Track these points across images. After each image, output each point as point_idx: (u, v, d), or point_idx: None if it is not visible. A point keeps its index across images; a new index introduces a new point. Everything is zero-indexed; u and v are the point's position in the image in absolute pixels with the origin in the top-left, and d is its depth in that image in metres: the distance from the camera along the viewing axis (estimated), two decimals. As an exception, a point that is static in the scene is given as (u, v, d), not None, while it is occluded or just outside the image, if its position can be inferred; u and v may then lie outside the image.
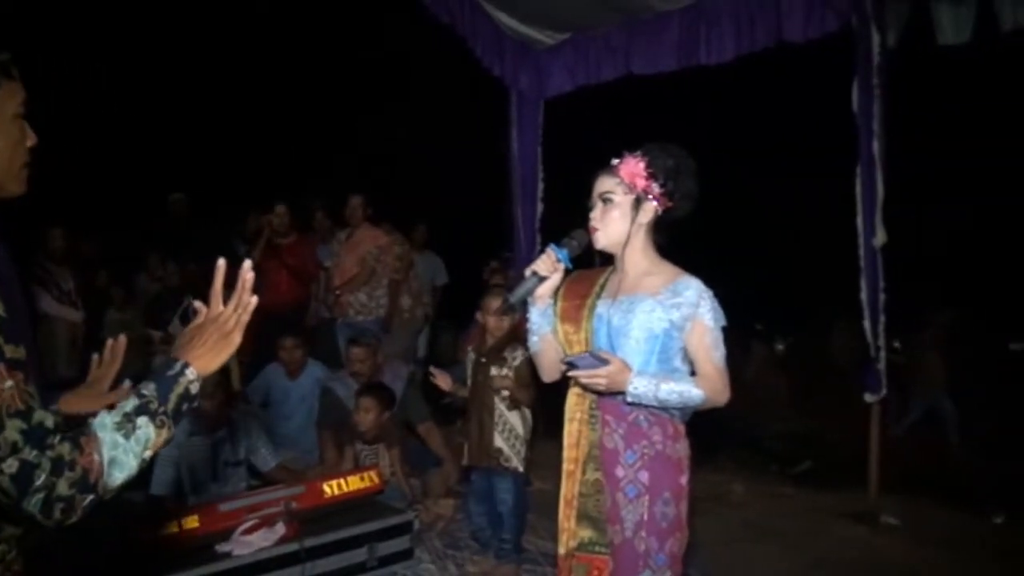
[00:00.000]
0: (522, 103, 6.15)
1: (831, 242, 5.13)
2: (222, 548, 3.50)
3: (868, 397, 4.84)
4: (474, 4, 5.65)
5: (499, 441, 4.05)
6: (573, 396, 2.47)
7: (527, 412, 4.11)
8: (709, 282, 2.37)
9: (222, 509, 3.68)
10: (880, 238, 4.64)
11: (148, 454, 1.41)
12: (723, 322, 2.36)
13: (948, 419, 6.89)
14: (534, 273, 2.41)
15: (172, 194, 7.89)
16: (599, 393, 2.37)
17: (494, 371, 4.06)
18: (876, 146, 4.58)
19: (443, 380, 4.11)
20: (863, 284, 4.70)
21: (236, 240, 7.55)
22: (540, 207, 6.18)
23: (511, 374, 4.03)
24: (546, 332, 2.50)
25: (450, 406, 5.04)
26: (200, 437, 4.43)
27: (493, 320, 4.07)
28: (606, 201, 2.40)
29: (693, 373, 2.37)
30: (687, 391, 2.28)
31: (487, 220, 7.47)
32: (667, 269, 2.42)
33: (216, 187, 8.66)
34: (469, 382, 4.18)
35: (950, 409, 6.88)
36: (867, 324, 4.74)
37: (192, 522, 3.57)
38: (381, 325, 6.59)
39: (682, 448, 2.40)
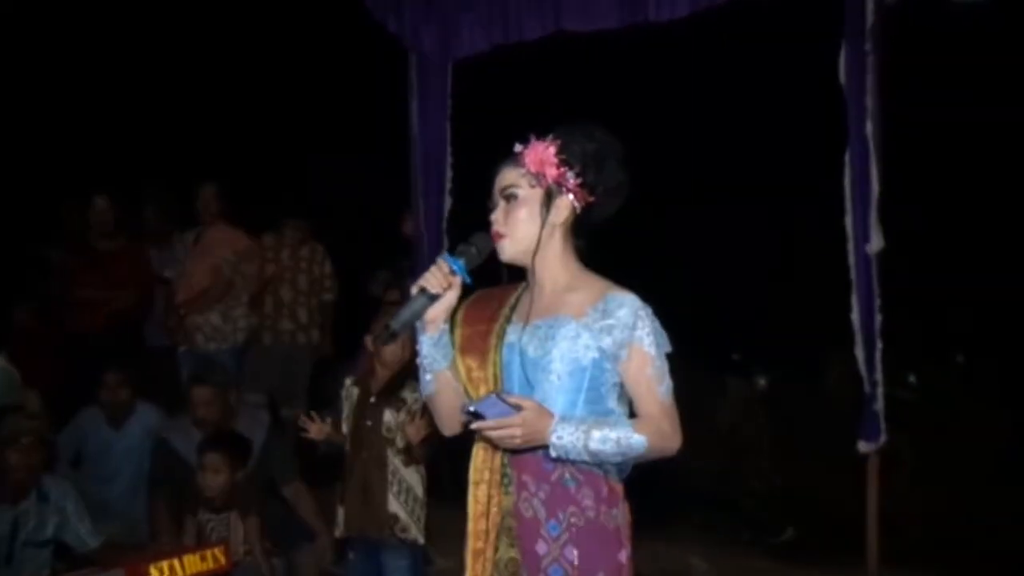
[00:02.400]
0: (425, 68, 6.19)
1: (829, 250, 5.27)
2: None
3: (863, 447, 4.98)
4: (359, -62, 5.73)
5: (394, 505, 4.08)
6: (480, 452, 2.48)
7: (423, 467, 4.18)
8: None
9: (11, 603, 3.66)
10: (876, 243, 4.81)
11: None
12: (667, 347, 2.40)
13: None
14: (422, 290, 2.40)
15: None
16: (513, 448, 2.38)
17: (388, 416, 4.10)
18: (869, 127, 4.76)
19: (316, 429, 4.13)
20: (855, 302, 4.87)
21: (47, 243, 7.47)
22: (448, 201, 6.22)
23: (409, 420, 4.07)
24: (442, 368, 2.50)
25: (329, 459, 5.04)
26: (-2, 507, 4.41)
27: (389, 348, 4.08)
28: (509, 198, 2.44)
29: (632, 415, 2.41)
30: (626, 437, 2.30)
31: (379, 218, 7.49)
32: (593, 283, 2.45)
33: (19, 171, 8.54)
34: (346, 427, 4.21)
35: None
36: (860, 353, 4.90)
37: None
38: (239, 355, 6.59)
39: (620, 514, 2.42)
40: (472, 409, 2.27)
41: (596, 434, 2.28)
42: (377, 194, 7.68)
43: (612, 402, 2.40)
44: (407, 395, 4.10)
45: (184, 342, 6.62)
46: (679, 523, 6.03)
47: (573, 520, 2.36)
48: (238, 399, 5.42)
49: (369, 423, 4.13)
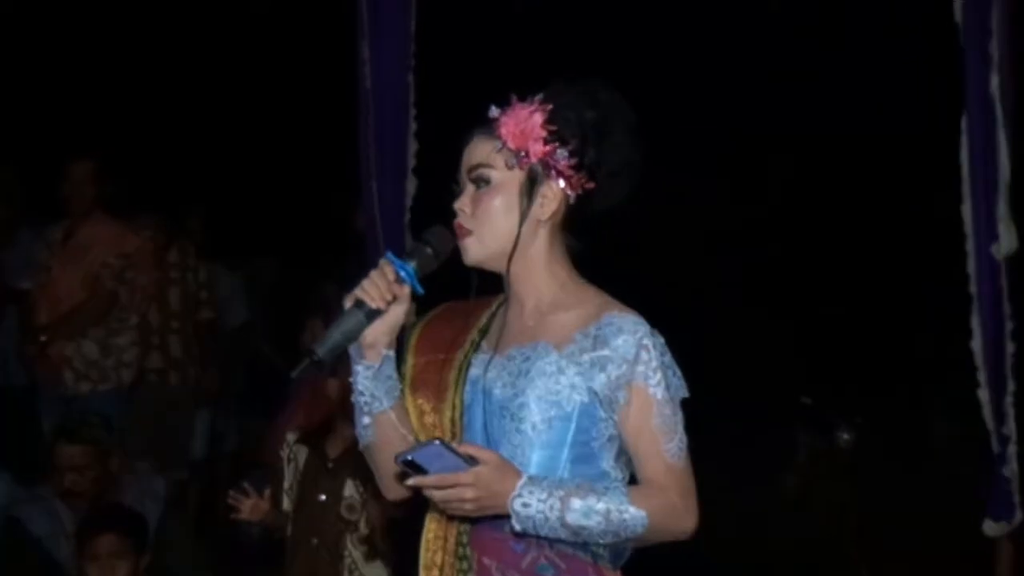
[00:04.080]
0: (379, 1, 6.21)
1: (939, 251, 5.28)
2: None
3: (990, 528, 4.89)
4: None
5: (348, 612, 4.13)
6: (432, 524, 2.53)
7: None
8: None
9: None
10: (1007, 243, 4.79)
11: None
12: (682, 391, 2.44)
13: None
14: (358, 304, 2.40)
15: None
16: (470, 518, 2.40)
17: (350, 489, 4.16)
18: (995, 82, 4.74)
19: (251, 506, 4.10)
20: (976, 323, 4.84)
21: None
22: (413, 182, 6.21)
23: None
24: (384, 409, 2.50)
25: (260, 545, 5.02)
26: None
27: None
28: (479, 182, 2.47)
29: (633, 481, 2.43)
30: (619, 511, 2.30)
31: (316, 206, 7.50)
32: (587, 299, 2.50)
33: None
34: (288, 502, 4.24)
35: None
36: (984, 396, 4.86)
37: None
38: (125, 401, 6.58)
39: None
40: (409, 458, 2.24)
41: (577, 503, 2.27)
42: (318, 174, 7.68)
43: (607, 462, 2.43)
44: None
45: (48, 380, 6.57)
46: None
47: None
48: (123, 462, 5.36)
49: (323, 498, 4.15)
